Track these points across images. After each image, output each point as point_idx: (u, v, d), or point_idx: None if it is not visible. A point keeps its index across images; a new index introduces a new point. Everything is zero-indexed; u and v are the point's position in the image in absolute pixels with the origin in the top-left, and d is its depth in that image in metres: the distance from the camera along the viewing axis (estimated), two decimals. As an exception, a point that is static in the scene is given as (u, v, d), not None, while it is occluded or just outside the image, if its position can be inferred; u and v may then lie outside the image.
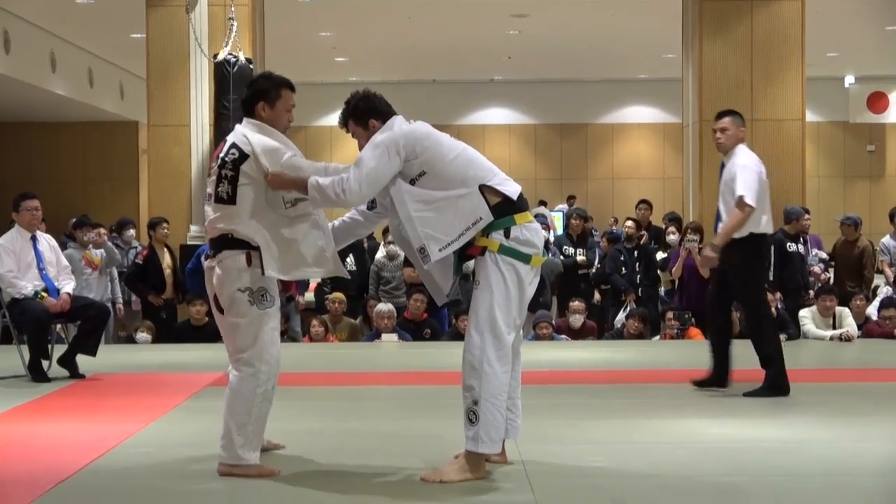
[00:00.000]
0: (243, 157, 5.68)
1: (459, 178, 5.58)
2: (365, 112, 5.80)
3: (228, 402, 5.69)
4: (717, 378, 8.53)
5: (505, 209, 5.58)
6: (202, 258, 13.18)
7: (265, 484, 5.50)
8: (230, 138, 5.83)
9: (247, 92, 5.95)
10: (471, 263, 5.70)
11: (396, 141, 5.59)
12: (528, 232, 5.60)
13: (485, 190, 5.56)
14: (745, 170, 8.23)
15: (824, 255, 14.54)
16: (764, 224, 8.37)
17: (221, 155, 5.76)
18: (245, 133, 5.78)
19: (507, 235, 5.54)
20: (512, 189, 5.65)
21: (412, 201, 5.56)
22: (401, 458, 6.02)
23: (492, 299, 5.52)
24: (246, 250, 5.66)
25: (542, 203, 26.88)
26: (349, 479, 5.58)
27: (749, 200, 8.11)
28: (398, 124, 5.74)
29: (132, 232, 14.63)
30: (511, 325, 5.57)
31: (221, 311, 5.80)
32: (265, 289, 5.69)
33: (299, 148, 5.97)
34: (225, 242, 5.72)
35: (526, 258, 5.58)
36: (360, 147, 5.78)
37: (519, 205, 5.63)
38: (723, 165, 8.46)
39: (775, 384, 8.25)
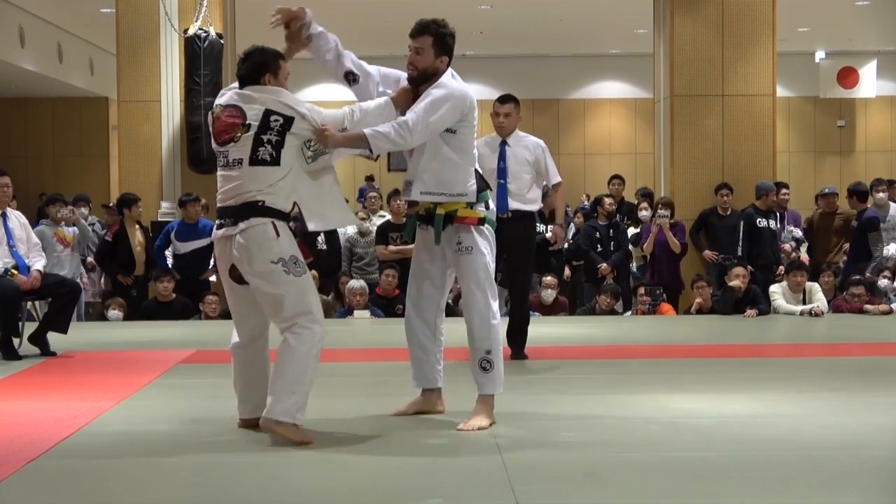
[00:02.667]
0: (288, 120, 5.77)
1: (468, 153, 6.17)
2: (447, 47, 6.16)
3: (285, 361, 5.76)
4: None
5: (482, 184, 6.22)
6: (171, 234, 13.18)
7: (239, 459, 5.50)
8: (256, 106, 5.79)
9: (245, 65, 5.96)
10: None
11: (464, 102, 6.06)
12: (493, 203, 6.39)
13: (476, 172, 6.20)
14: (548, 153, 9.12)
15: (799, 234, 14.48)
16: None
17: (256, 122, 5.74)
18: (275, 97, 5.83)
19: (486, 207, 6.20)
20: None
21: (431, 147, 6.07)
22: (377, 433, 6.03)
23: (486, 261, 6.16)
24: (272, 219, 5.77)
25: None
26: (328, 456, 5.58)
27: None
28: (457, 79, 6.16)
29: (84, 210, 14.53)
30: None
31: (238, 281, 5.90)
32: (295, 256, 5.82)
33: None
34: (253, 210, 5.76)
35: (494, 225, 6.27)
36: (411, 59, 6.12)
37: (488, 185, 6.37)
38: (504, 144, 9.00)
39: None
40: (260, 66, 5.94)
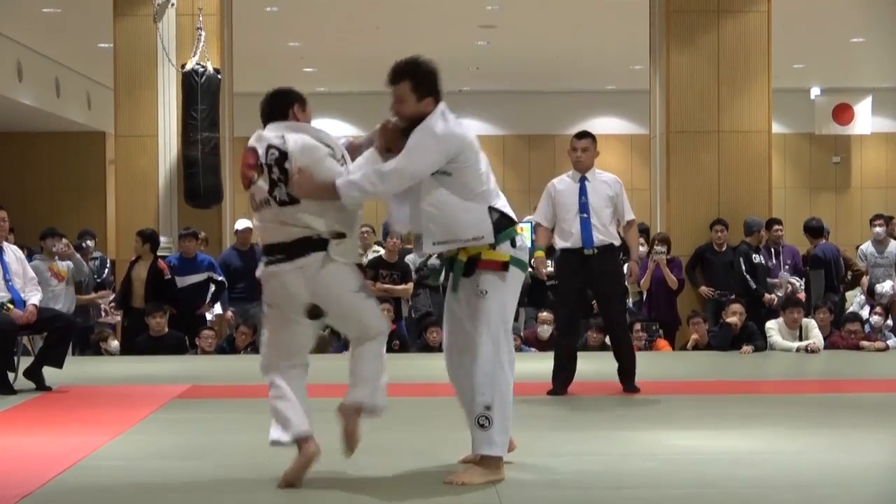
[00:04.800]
0: (283, 155, 5.61)
1: (474, 192, 5.67)
2: (430, 87, 5.67)
3: (373, 362, 5.93)
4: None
5: (506, 222, 5.75)
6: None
7: (235, 496, 5.48)
8: (263, 142, 5.69)
9: (272, 101, 5.82)
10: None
11: (449, 143, 5.59)
12: (523, 241, 5.85)
13: (491, 210, 5.69)
14: (624, 190, 9.30)
15: (793, 279, 14.16)
16: None
17: (262, 161, 5.64)
18: (282, 133, 5.68)
19: (513, 245, 5.74)
20: (509, 212, 5.81)
21: (427, 194, 5.63)
22: (374, 467, 6.02)
23: (503, 309, 5.76)
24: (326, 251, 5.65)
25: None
26: (322, 492, 5.57)
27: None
28: (448, 118, 5.67)
29: (91, 242, 14.57)
30: (512, 331, 5.89)
31: (313, 315, 5.84)
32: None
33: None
34: (311, 244, 5.62)
35: (525, 267, 5.84)
36: (395, 109, 5.70)
37: (514, 220, 5.83)
38: (584, 179, 9.17)
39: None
40: (289, 97, 5.83)
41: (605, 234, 9.07)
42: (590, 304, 13.25)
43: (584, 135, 9.43)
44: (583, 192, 9.11)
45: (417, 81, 5.64)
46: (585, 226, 9.04)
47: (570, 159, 9.34)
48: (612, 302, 9.35)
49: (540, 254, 9.56)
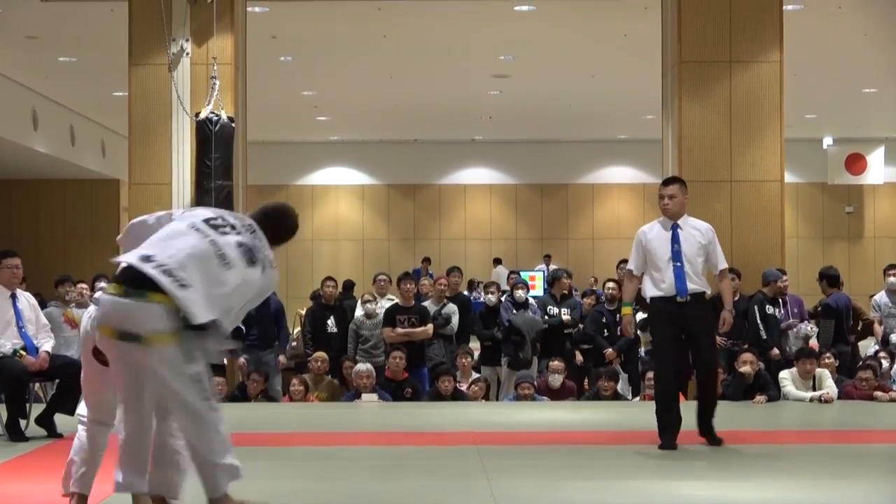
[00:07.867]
0: None
1: None
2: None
3: None
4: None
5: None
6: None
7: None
8: None
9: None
10: None
11: None
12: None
13: None
14: (716, 239, 9.10)
15: (809, 329, 14.09)
16: None
17: None
18: None
19: None
20: None
21: None
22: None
23: None
24: None
25: (548, 257, 27.33)
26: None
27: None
28: None
29: (104, 284, 14.63)
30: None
31: None
32: None
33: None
34: None
35: None
36: None
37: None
38: (675, 226, 8.97)
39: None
40: None
41: (697, 282, 8.86)
42: (603, 353, 13.28)
43: (670, 181, 9.23)
44: (675, 239, 8.88)
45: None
46: (679, 274, 8.80)
47: (659, 206, 9.12)
48: (703, 347, 8.99)
49: (627, 310, 9.40)
